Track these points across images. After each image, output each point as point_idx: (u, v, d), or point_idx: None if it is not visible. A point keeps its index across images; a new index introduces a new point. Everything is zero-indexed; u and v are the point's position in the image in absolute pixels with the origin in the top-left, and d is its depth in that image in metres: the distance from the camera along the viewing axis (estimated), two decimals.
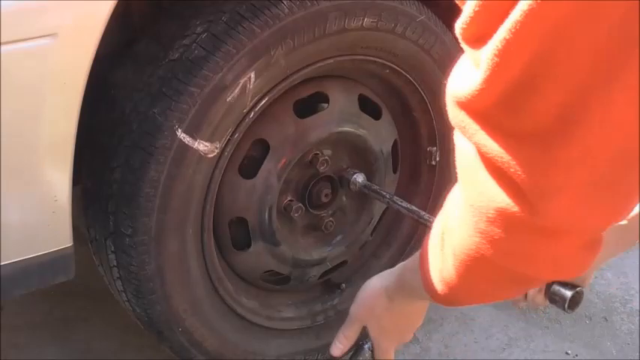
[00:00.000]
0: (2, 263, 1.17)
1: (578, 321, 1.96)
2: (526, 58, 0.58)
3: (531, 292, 1.07)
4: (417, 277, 0.91)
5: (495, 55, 0.59)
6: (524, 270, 0.73)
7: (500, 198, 0.66)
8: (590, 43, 0.56)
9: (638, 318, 1.98)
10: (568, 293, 1.02)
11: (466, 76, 0.63)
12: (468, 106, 0.64)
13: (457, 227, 0.76)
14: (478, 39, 0.61)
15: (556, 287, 1.03)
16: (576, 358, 1.85)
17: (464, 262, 0.77)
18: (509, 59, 0.58)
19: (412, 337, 1.22)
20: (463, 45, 0.64)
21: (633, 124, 0.59)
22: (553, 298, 1.04)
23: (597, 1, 0.55)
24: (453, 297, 0.86)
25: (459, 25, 0.63)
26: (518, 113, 0.61)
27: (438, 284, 0.85)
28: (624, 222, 0.96)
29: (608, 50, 0.57)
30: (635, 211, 0.96)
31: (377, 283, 1.10)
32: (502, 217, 0.67)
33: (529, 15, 0.56)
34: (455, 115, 0.66)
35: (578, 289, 1.03)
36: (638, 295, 2.05)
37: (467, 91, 0.63)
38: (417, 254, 0.93)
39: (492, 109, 0.62)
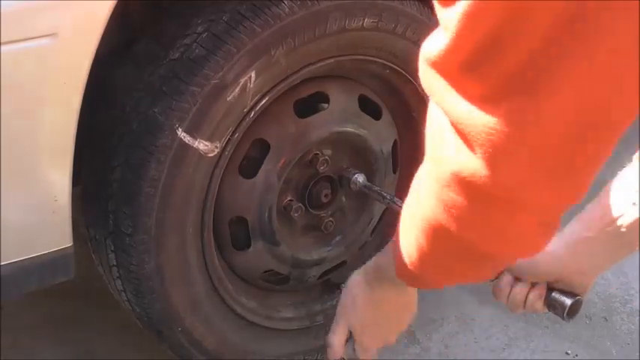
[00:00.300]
0: (2, 263, 1.17)
1: (578, 321, 1.96)
2: (493, 18, 0.58)
3: (530, 297, 1.06)
4: (391, 259, 0.92)
5: (464, 13, 0.59)
6: (478, 242, 0.73)
7: (456, 159, 0.66)
8: (553, 6, 0.56)
9: (638, 318, 1.98)
10: (567, 301, 1.02)
11: (436, 37, 0.64)
12: (436, 65, 0.64)
13: (419, 199, 0.76)
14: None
15: (555, 295, 1.03)
16: (576, 358, 1.85)
17: (425, 233, 0.77)
18: (478, 18, 0.58)
19: (401, 338, 1.20)
20: (437, 9, 0.63)
21: (595, 92, 0.59)
22: (552, 305, 1.04)
23: None
24: (420, 275, 0.86)
25: None
26: (481, 74, 0.61)
27: (406, 260, 0.85)
28: (623, 229, 0.95)
29: (574, 8, 0.56)
30: (635, 216, 0.94)
31: (357, 274, 1.10)
32: (458, 183, 0.67)
33: None
34: (425, 76, 0.66)
35: (577, 297, 1.03)
36: (638, 295, 2.04)
37: (436, 51, 0.63)
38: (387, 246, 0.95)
39: (458, 70, 0.62)
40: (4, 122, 1.07)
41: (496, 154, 0.63)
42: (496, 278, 1.07)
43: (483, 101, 0.61)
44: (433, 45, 0.64)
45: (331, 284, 1.73)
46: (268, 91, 1.38)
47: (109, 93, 1.35)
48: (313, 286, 1.70)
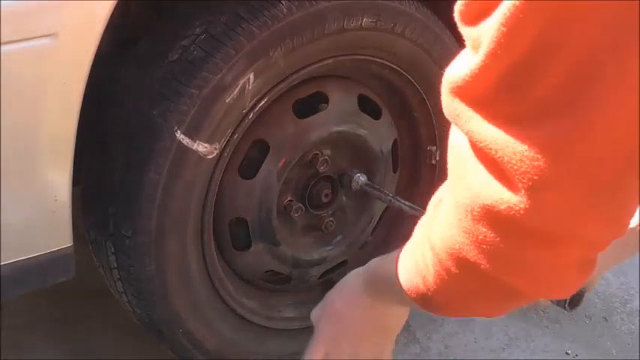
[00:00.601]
0: (2, 263, 1.17)
1: (578, 321, 1.96)
2: (534, 31, 0.52)
3: None
4: (390, 271, 0.82)
5: (499, 27, 0.53)
6: (507, 278, 0.65)
7: (488, 192, 0.59)
8: (604, 12, 0.51)
9: (638, 318, 1.98)
10: None
11: (463, 61, 0.58)
12: (464, 91, 0.58)
13: (440, 226, 0.68)
14: (480, 15, 0.55)
15: None
16: (576, 358, 1.85)
17: (444, 263, 0.68)
18: (515, 32, 0.53)
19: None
20: (462, 28, 0.58)
21: None
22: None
23: None
24: (430, 299, 0.76)
25: (459, 5, 0.58)
26: (517, 94, 0.55)
27: (418, 282, 0.76)
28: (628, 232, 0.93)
29: (624, 20, 0.51)
30: (635, 222, 0.92)
31: (353, 275, 0.96)
32: (489, 215, 0.60)
33: None
34: (449, 103, 0.61)
35: (579, 289, 1.02)
36: (638, 295, 2.04)
37: (464, 74, 0.57)
38: (393, 253, 0.85)
39: (490, 92, 0.56)
40: (4, 122, 1.07)
41: (537, 184, 0.56)
42: None
43: (521, 125, 0.55)
44: (460, 68, 0.58)
45: (332, 284, 1.73)
46: (267, 92, 1.38)
47: (109, 94, 1.35)
48: (314, 286, 1.70)
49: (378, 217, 1.72)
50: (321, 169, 1.53)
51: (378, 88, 1.63)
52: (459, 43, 0.63)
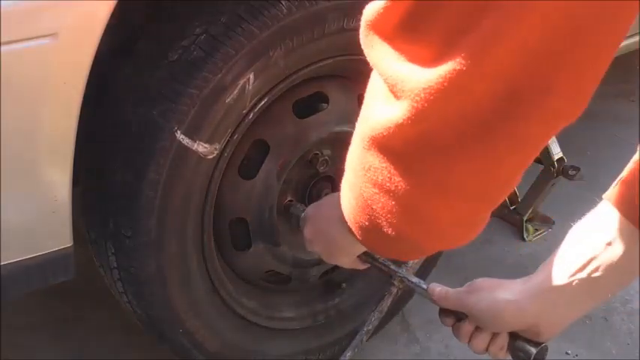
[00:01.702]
0: (2, 263, 1.17)
1: (578, 321, 1.96)
2: None
3: (492, 350, 1.02)
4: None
5: None
6: (398, 220, 0.73)
7: (381, 119, 0.65)
8: None
9: (638, 318, 1.98)
10: (532, 350, 0.99)
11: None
12: (375, 25, 0.64)
13: (350, 154, 0.78)
14: None
15: (519, 343, 1.00)
16: (576, 358, 1.85)
17: (352, 187, 0.77)
18: None
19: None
20: None
21: (538, 54, 0.56)
22: (516, 354, 1.00)
23: None
24: (352, 224, 0.84)
25: None
26: (416, 35, 0.60)
27: (346, 210, 0.85)
28: (598, 273, 0.88)
29: None
30: (612, 257, 0.87)
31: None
32: (379, 140, 0.67)
33: None
34: (365, 41, 0.66)
35: (542, 345, 0.99)
36: (638, 295, 2.04)
37: (375, 9, 0.63)
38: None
39: (396, 31, 0.62)
40: (4, 122, 1.07)
41: (420, 103, 0.61)
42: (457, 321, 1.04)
43: (424, 61, 0.61)
44: (373, 5, 0.64)
45: (332, 283, 1.73)
46: (267, 93, 1.38)
47: (109, 94, 1.35)
48: (314, 285, 1.70)
49: None
50: (321, 169, 1.53)
51: None
52: None
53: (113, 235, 1.36)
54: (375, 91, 0.68)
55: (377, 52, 0.64)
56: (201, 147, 1.31)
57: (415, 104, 0.61)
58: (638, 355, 1.87)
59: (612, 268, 0.87)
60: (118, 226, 1.35)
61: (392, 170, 0.69)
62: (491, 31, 0.56)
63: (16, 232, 1.19)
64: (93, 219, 1.42)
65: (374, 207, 0.75)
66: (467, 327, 1.02)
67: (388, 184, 0.70)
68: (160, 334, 1.48)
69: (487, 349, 1.03)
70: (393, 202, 0.72)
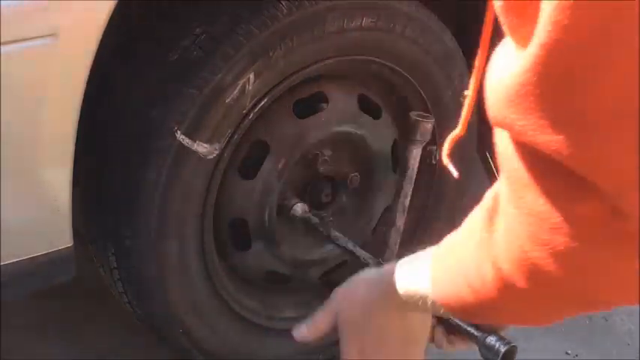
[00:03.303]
0: (2, 263, 1.17)
1: (578, 321, 1.96)
2: (599, 14, 0.46)
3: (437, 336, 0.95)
4: (419, 276, 0.77)
5: (559, 12, 0.46)
6: (583, 285, 0.61)
7: (567, 200, 0.54)
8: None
9: (638, 318, 1.98)
10: (502, 348, 0.95)
11: (509, 59, 0.51)
12: (516, 93, 0.51)
13: (505, 239, 0.63)
14: (523, 12, 0.49)
15: (491, 342, 0.99)
16: (576, 358, 1.85)
17: (510, 276, 0.64)
18: (581, 17, 0.46)
19: None
20: (505, 20, 0.52)
21: None
22: (486, 352, 0.97)
23: None
24: (478, 313, 0.74)
25: None
26: (584, 92, 0.48)
27: (466, 298, 0.71)
28: None
29: None
30: None
31: (366, 274, 0.91)
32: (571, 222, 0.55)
33: None
34: (498, 109, 0.53)
35: (512, 344, 0.99)
36: None
37: (513, 73, 0.50)
38: (423, 253, 0.79)
39: (550, 89, 0.49)
40: (4, 122, 1.07)
41: (623, 183, 0.51)
42: None
43: (589, 123, 0.49)
44: (507, 68, 0.52)
45: (332, 283, 1.73)
46: (267, 93, 1.38)
47: (109, 94, 1.35)
48: (314, 285, 1.70)
49: (378, 217, 1.72)
50: (321, 169, 1.53)
51: (378, 88, 1.63)
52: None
53: (113, 235, 1.36)
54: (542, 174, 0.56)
55: (520, 122, 0.53)
56: (201, 147, 1.31)
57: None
58: (638, 355, 1.87)
59: None
60: (118, 226, 1.35)
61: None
62: None
63: (16, 232, 1.19)
64: (93, 219, 1.42)
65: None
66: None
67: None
68: (159, 333, 1.48)
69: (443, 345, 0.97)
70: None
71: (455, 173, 0.81)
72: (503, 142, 0.58)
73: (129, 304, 1.46)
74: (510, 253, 0.63)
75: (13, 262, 1.19)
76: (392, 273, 0.83)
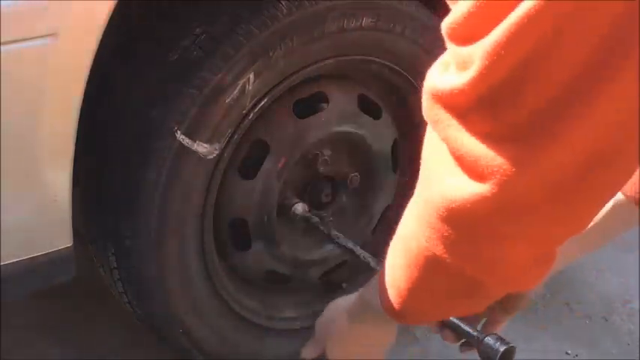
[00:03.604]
0: (2, 263, 1.17)
1: (578, 321, 1.96)
2: (516, 59, 0.58)
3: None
4: (376, 292, 0.89)
5: (487, 56, 0.59)
6: (472, 273, 0.71)
7: (457, 191, 0.65)
8: (585, 43, 0.57)
9: (638, 318, 1.98)
10: (501, 347, 0.99)
11: (449, 72, 0.64)
12: (447, 101, 0.64)
13: (411, 228, 0.74)
14: (468, 39, 0.61)
15: (489, 341, 1.00)
16: (576, 358, 1.85)
17: (417, 263, 0.75)
18: (501, 60, 0.58)
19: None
20: (449, 43, 0.64)
21: (613, 128, 0.59)
22: (485, 351, 1.01)
23: (597, 1, 0.56)
24: (408, 308, 0.83)
25: (448, 24, 0.63)
26: (497, 113, 0.61)
27: (390, 290, 0.83)
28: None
29: (603, 50, 0.57)
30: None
31: (339, 303, 1.08)
32: (455, 212, 0.66)
33: (529, 16, 0.56)
34: (430, 108, 0.66)
35: (510, 344, 1.01)
36: (638, 295, 2.04)
37: (448, 87, 0.63)
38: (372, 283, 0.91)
39: (471, 107, 0.62)
40: (4, 122, 1.07)
41: (504, 184, 0.62)
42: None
43: (495, 140, 0.62)
44: (446, 80, 0.63)
45: (333, 283, 1.73)
46: (267, 93, 1.38)
47: (109, 94, 1.35)
48: (314, 285, 1.70)
49: (378, 217, 1.72)
50: (321, 169, 1.53)
51: (378, 88, 1.63)
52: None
53: (113, 235, 1.36)
54: (443, 162, 0.66)
55: (450, 128, 0.64)
56: (201, 147, 1.31)
57: (504, 178, 0.62)
58: (638, 355, 1.86)
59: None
60: (118, 226, 1.35)
61: (471, 235, 0.69)
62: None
63: (16, 232, 1.19)
64: (93, 219, 1.42)
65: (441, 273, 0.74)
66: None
67: (470, 247, 0.70)
68: (159, 333, 1.48)
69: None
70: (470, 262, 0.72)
71: None
72: (427, 135, 0.70)
73: (129, 304, 1.46)
74: (414, 238, 0.73)
75: (13, 262, 1.19)
76: (361, 291, 1.01)
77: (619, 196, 0.99)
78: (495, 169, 0.62)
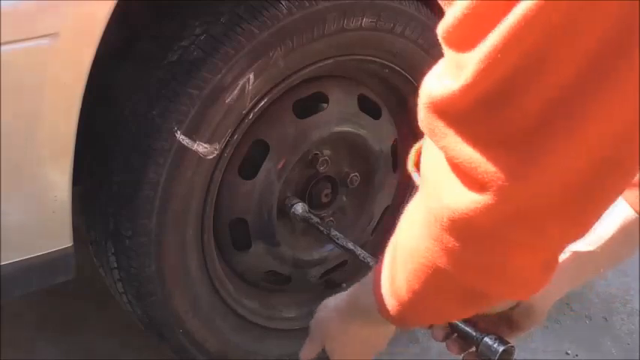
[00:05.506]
0: (2, 263, 1.17)
1: (578, 321, 1.96)
2: (512, 63, 0.57)
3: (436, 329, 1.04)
4: (369, 295, 0.88)
5: (483, 59, 0.57)
6: (477, 283, 0.70)
7: (459, 202, 0.63)
8: (584, 45, 0.55)
9: (638, 318, 1.98)
10: (500, 348, 0.98)
11: (444, 79, 0.62)
12: (442, 109, 0.62)
13: (411, 238, 0.73)
14: (463, 43, 0.59)
15: (487, 341, 1.00)
16: (576, 358, 1.85)
17: (418, 273, 0.74)
18: (497, 64, 0.57)
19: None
20: (445, 48, 0.62)
21: (615, 134, 0.58)
22: (484, 351, 1.00)
23: (596, 1, 0.54)
24: (408, 314, 0.83)
25: (443, 28, 0.61)
26: (492, 119, 0.60)
27: (389, 299, 0.82)
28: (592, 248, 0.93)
29: (603, 51, 0.55)
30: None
31: (330, 304, 1.07)
32: (457, 223, 0.64)
33: (525, 18, 0.55)
34: (425, 118, 0.64)
35: (509, 344, 1.00)
36: (638, 295, 2.05)
37: (443, 94, 0.61)
38: (370, 273, 0.90)
39: (467, 114, 0.60)
40: (4, 122, 1.07)
41: (505, 191, 0.60)
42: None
43: (493, 147, 0.60)
44: (440, 86, 0.62)
45: (333, 283, 1.73)
46: (267, 93, 1.38)
47: (108, 94, 1.35)
48: (315, 285, 1.70)
49: (378, 218, 1.72)
50: (321, 169, 1.53)
51: (378, 88, 1.63)
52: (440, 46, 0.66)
53: (113, 235, 1.36)
54: (441, 171, 0.65)
55: (447, 137, 0.62)
56: (201, 147, 1.31)
57: (504, 186, 0.61)
58: (638, 355, 1.87)
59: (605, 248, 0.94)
60: (118, 226, 1.35)
61: (475, 245, 0.68)
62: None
63: (16, 232, 1.19)
64: (93, 219, 1.42)
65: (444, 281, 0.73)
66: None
67: (473, 258, 0.69)
68: (159, 334, 1.48)
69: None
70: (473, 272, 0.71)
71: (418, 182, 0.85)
72: (425, 144, 0.69)
73: (129, 304, 1.46)
74: (414, 248, 0.72)
75: (13, 262, 1.19)
76: (352, 291, 1.02)
77: (630, 213, 0.95)
78: (493, 178, 0.60)
